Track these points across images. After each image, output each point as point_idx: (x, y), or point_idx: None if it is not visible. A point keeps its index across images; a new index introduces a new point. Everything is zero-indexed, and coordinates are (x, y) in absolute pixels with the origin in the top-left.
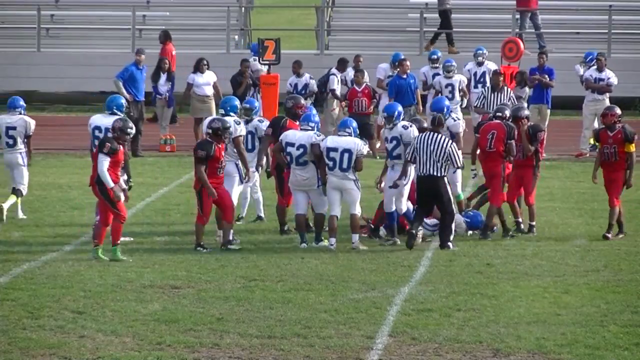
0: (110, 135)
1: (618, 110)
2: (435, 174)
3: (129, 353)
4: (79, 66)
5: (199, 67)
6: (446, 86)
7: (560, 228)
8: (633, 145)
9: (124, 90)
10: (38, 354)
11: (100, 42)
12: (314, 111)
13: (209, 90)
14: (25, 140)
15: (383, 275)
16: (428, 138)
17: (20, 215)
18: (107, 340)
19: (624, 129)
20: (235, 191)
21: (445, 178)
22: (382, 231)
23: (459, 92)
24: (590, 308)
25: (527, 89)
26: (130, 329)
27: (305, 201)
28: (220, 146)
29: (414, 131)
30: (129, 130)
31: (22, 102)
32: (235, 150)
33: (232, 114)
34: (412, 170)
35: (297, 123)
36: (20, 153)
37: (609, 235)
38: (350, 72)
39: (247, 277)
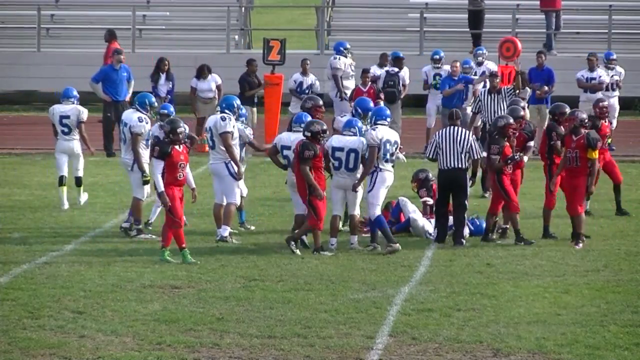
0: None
1: (583, 115)
2: (459, 166)
3: (129, 353)
4: (79, 66)
5: (201, 74)
6: None
7: (560, 228)
8: (596, 152)
9: (100, 92)
10: (38, 354)
11: (100, 42)
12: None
13: (212, 94)
14: (78, 127)
15: (383, 275)
16: (449, 132)
17: (65, 205)
18: (107, 340)
19: (587, 135)
20: (237, 191)
21: (467, 171)
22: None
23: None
24: (590, 308)
25: (528, 89)
26: (131, 329)
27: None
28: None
29: (372, 133)
30: (179, 129)
31: (75, 92)
32: (223, 148)
33: (227, 111)
34: (388, 176)
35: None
36: (76, 141)
37: (580, 246)
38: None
39: (247, 277)
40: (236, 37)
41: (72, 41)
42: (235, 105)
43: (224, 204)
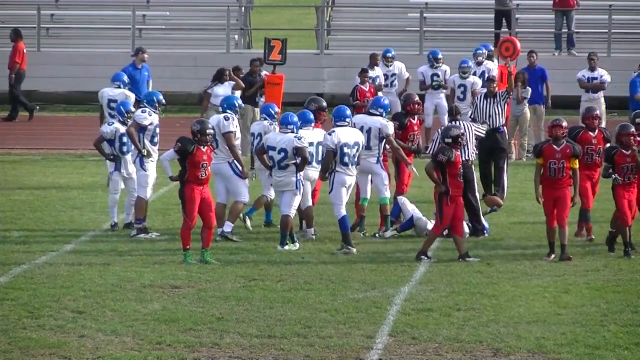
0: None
1: (565, 124)
2: (469, 158)
3: (129, 353)
4: (79, 66)
5: (220, 78)
6: (459, 87)
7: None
8: (577, 161)
9: None
10: (38, 354)
11: (100, 42)
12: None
13: None
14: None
15: (383, 275)
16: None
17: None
18: (107, 340)
19: (572, 144)
20: (246, 190)
21: (473, 165)
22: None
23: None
24: (590, 308)
25: (529, 89)
26: (131, 328)
27: None
28: (458, 153)
29: (328, 137)
30: (208, 131)
31: (125, 78)
32: (226, 147)
33: (229, 111)
34: (346, 178)
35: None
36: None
37: (569, 258)
38: (376, 70)
39: (247, 277)
40: (236, 37)
41: (72, 41)
42: (237, 105)
43: (226, 203)
